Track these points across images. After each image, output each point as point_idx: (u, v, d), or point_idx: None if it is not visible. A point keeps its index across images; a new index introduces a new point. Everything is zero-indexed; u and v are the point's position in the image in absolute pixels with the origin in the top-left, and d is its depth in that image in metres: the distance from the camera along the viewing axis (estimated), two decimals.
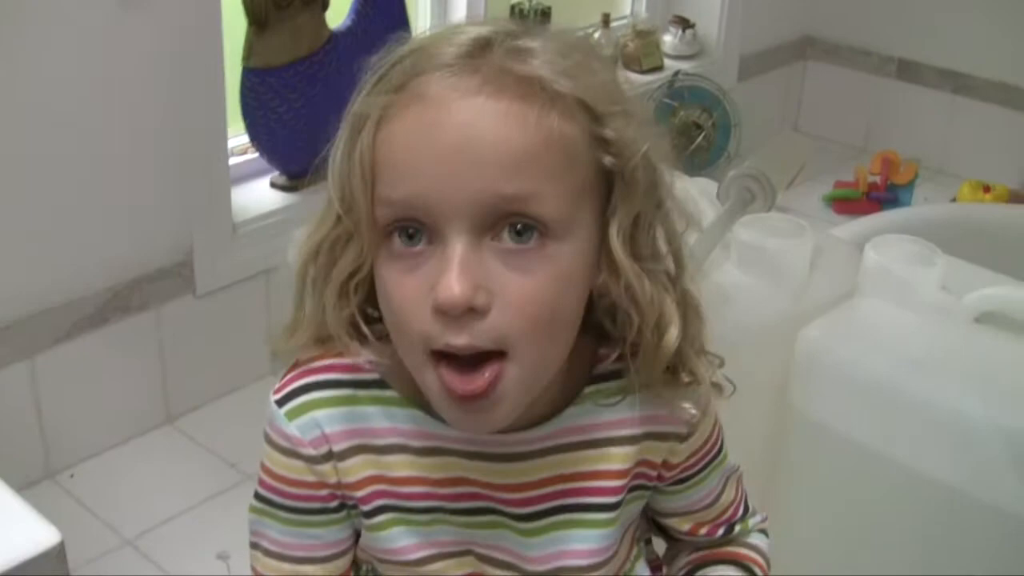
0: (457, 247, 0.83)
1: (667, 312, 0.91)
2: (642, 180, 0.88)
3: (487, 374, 0.85)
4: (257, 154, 2.25)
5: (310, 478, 0.99)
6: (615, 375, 0.98)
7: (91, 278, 1.98)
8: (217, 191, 2.11)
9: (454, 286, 0.82)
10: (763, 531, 1.13)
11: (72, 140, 1.89)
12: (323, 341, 0.97)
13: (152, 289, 2.07)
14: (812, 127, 3.23)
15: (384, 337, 0.93)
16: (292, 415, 0.98)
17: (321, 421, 0.98)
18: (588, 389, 0.98)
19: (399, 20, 2.32)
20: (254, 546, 1.04)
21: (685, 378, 0.97)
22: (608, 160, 0.87)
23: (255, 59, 2.11)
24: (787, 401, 1.66)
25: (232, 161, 2.21)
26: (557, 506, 1.00)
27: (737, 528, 1.11)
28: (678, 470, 1.03)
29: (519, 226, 0.84)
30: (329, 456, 0.98)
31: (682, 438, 1.01)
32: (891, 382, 1.61)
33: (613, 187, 0.88)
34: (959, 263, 1.78)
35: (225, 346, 2.17)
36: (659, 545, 1.15)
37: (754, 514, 1.12)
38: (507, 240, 0.84)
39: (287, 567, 1.03)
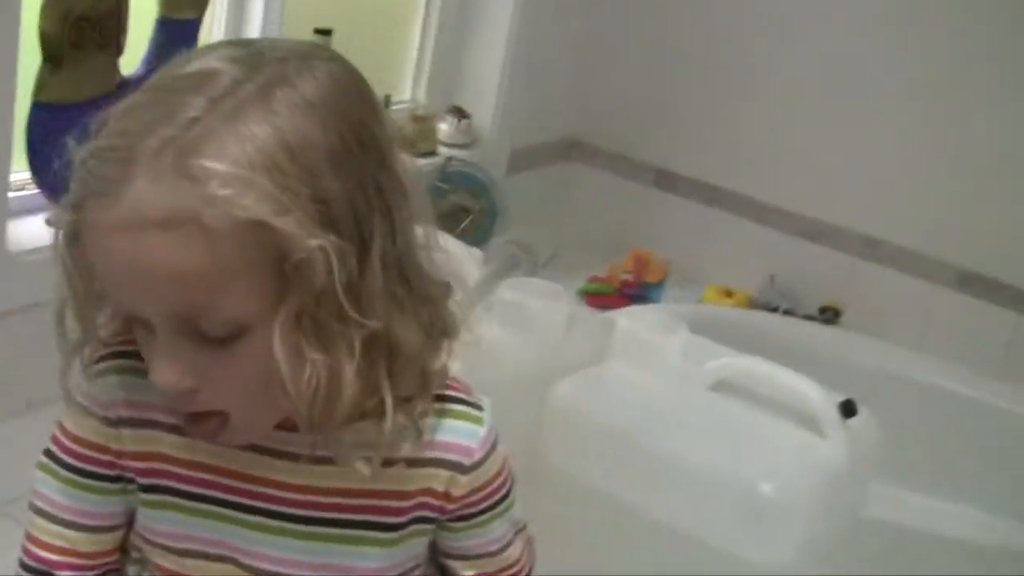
0: (163, 343, 0.92)
1: (343, 378, 0.94)
2: (320, 273, 0.90)
3: (214, 423, 0.96)
4: (36, 190, 2.26)
5: (97, 439, 1.05)
6: (405, 401, 1.02)
7: None
8: None
9: (162, 376, 0.93)
10: None
11: None
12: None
13: None
14: (573, 223, 3.38)
15: None
16: (96, 376, 1.03)
17: (120, 386, 1.04)
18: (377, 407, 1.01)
19: None
20: (30, 506, 1.08)
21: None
22: (286, 259, 0.90)
23: (45, 94, 2.13)
24: (537, 452, 1.77)
25: (11, 195, 2.21)
26: (339, 519, 1.05)
27: None
28: (460, 504, 1.08)
29: (214, 330, 0.91)
30: (119, 421, 1.04)
31: (464, 470, 1.06)
32: (631, 435, 1.75)
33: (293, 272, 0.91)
34: (701, 339, 1.94)
35: None
36: None
37: None
38: (205, 334, 0.91)
39: (54, 528, 1.06)
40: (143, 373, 0.99)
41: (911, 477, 1.93)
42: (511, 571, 1.15)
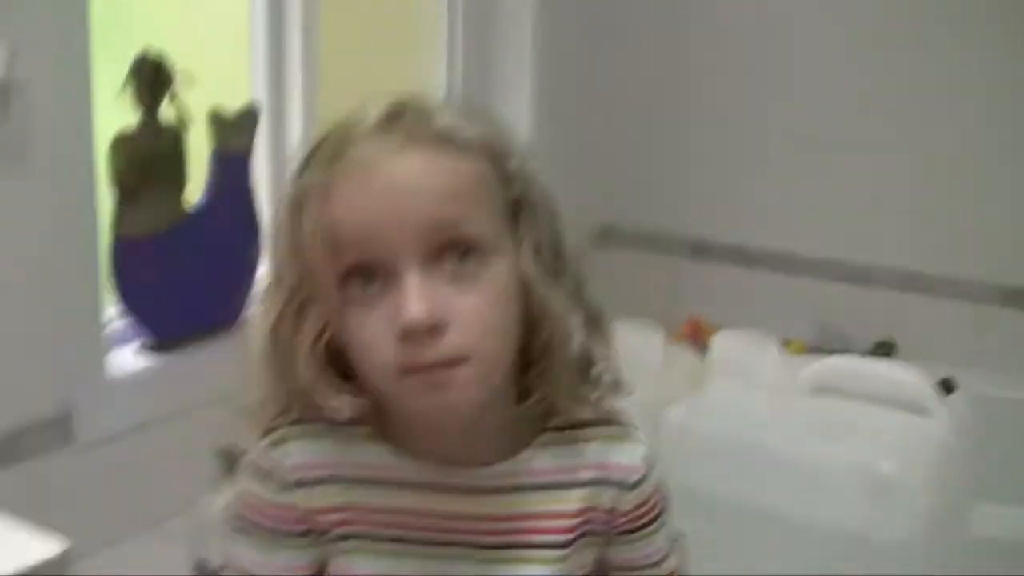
0: (411, 277, 0.98)
1: (573, 323, 1.05)
2: (540, 205, 1.05)
3: (449, 371, 0.99)
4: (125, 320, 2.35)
5: (282, 501, 1.10)
6: (570, 427, 1.12)
7: None
8: (95, 350, 2.20)
9: (414, 308, 0.97)
10: None
11: None
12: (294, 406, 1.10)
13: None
14: (623, 307, 3.44)
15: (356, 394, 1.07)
16: (271, 445, 1.10)
17: (294, 451, 1.10)
18: (544, 436, 1.11)
19: (247, 200, 2.49)
20: (226, 570, 1.14)
21: (594, 391, 1.10)
22: (513, 189, 1.04)
23: (122, 229, 2.23)
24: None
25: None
26: (512, 542, 1.10)
27: None
28: (626, 519, 1.14)
29: (461, 251, 0.99)
30: (301, 483, 1.10)
31: (629, 487, 1.13)
32: (747, 443, 1.81)
33: (520, 216, 1.05)
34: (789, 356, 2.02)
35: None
36: None
37: None
38: (451, 266, 0.99)
39: None
40: (310, 435, 1.09)
41: (1008, 491, 1.97)
42: None
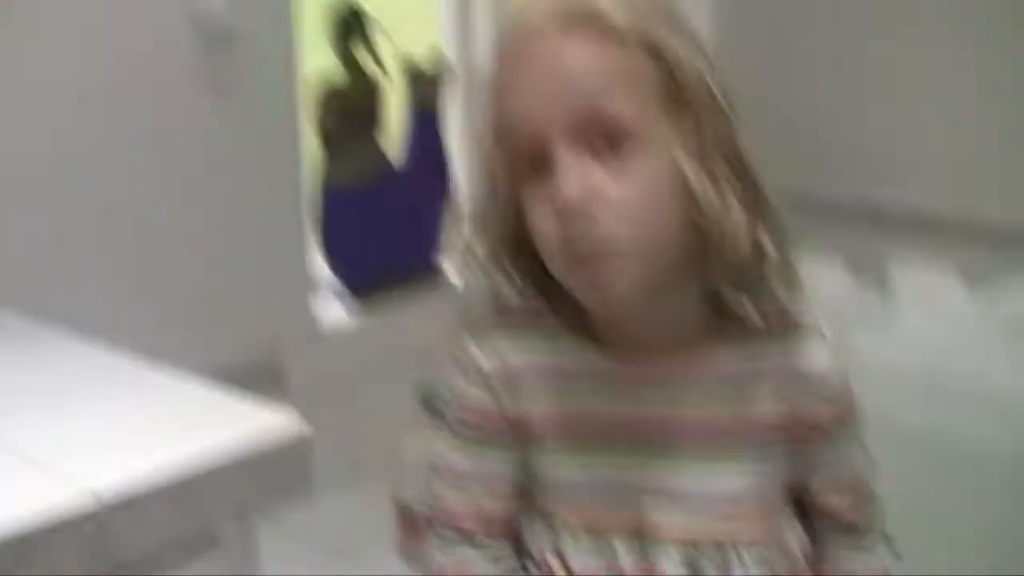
0: (565, 159, 1.01)
1: (736, 221, 1.02)
2: (703, 99, 1.03)
3: (601, 265, 1.00)
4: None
5: (490, 404, 1.11)
6: (755, 325, 1.09)
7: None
8: (301, 298, 2.31)
9: (568, 189, 1.00)
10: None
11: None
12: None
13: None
14: None
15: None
16: (479, 343, 1.12)
17: (503, 349, 1.11)
18: (734, 333, 1.09)
19: (442, 154, 2.59)
20: (433, 477, 1.15)
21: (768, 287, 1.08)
22: (671, 80, 1.03)
23: (327, 180, 2.34)
24: None
25: None
26: (704, 441, 1.10)
27: (867, 536, 1.16)
28: (813, 424, 1.10)
29: (612, 135, 1.00)
30: (507, 380, 1.11)
31: (810, 386, 1.09)
32: (938, 369, 1.79)
33: (682, 110, 1.03)
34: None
35: None
36: None
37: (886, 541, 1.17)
38: (605, 153, 1.01)
39: (457, 493, 1.13)
40: (516, 334, 1.11)
41: None
42: (862, 494, 1.16)
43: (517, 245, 1.09)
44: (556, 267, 1.05)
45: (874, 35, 3.20)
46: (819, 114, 3.27)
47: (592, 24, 1.03)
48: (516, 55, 1.05)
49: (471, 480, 1.12)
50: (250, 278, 2.19)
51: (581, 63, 1.02)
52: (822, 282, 1.59)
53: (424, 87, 2.50)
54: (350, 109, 2.34)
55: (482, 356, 1.11)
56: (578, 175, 1.00)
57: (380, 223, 2.45)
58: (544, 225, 1.03)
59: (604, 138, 1.01)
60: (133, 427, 1.21)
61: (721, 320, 1.11)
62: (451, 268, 1.19)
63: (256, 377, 2.16)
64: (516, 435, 1.12)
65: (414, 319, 2.48)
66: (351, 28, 2.30)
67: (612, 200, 1.00)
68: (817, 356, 1.11)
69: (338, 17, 2.29)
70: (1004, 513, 1.73)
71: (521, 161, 1.04)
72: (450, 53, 2.68)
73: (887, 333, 1.89)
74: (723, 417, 1.10)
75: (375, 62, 2.35)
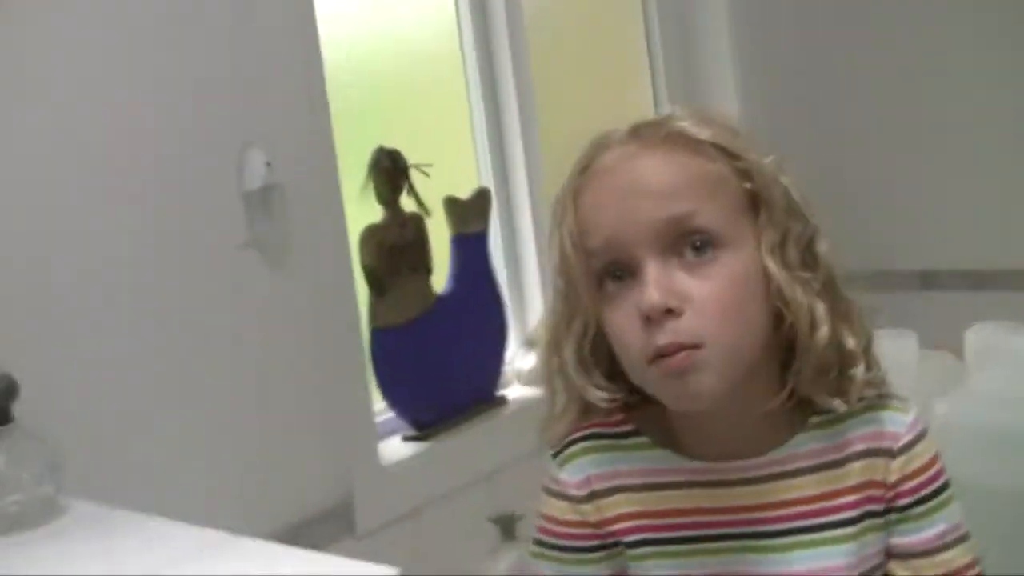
0: (650, 269, 1.06)
1: (818, 313, 1.08)
2: (780, 201, 1.10)
3: (684, 354, 1.05)
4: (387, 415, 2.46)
5: (574, 517, 1.17)
6: (833, 412, 1.14)
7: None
8: (367, 441, 2.31)
9: (653, 294, 1.04)
10: None
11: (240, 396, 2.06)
12: (585, 413, 1.18)
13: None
14: None
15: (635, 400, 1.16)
16: (563, 462, 1.18)
17: (586, 465, 1.17)
18: (812, 419, 1.15)
19: (489, 280, 2.61)
20: None
21: (848, 381, 1.12)
22: (749, 185, 1.10)
23: (379, 320, 2.35)
24: None
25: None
26: (798, 527, 1.13)
27: None
28: (894, 492, 1.14)
29: (696, 243, 1.06)
30: (591, 496, 1.17)
31: (893, 455, 1.14)
32: (1019, 428, 1.77)
33: (759, 211, 1.10)
34: None
35: None
36: None
37: None
38: (688, 256, 1.06)
39: None
40: (597, 449, 1.17)
41: None
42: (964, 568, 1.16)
43: (595, 355, 1.14)
44: (637, 373, 1.09)
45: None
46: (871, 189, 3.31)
47: (674, 140, 1.09)
48: (602, 171, 1.10)
49: None
50: (317, 427, 2.18)
51: (668, 178, 1.07)
52: (896, 353, 1.58)
53: (466, 216, 2.53)
54: (394, 247, 2.35)
55: (566, 474, 1.17)
56: (663, 282, 1.05)
57: (434, 357, 2.45)
58: (627, 331, 1.07)
59: (690, 246, 1.06)
60: None
61: (805, 412, 1.15)
62: (538, 384, 1.22)
63: (330, 522, 2.19)
64: (606, 547, 1.16)
65: (477, 447, 2.48)
66: (388, 169, 2.32)
67: (696, 298, 1.05)
68: (902, 427, 1.15)
69: (375, 160, 2.32)
70: None
71: (605, 271, 1.09)
72: (488, 184, 2.71)
73: (965, 395, 1.87)
74: (814, 502, 1.13)
75: (415, 201, 2.37)
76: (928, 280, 3.37)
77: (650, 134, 1.10)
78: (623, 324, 1.08)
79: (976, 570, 1.17)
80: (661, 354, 1.05)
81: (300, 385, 2.15)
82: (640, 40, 3.22)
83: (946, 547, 1.15)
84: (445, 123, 2.72)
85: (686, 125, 1.10)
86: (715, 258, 1.07)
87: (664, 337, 1.04)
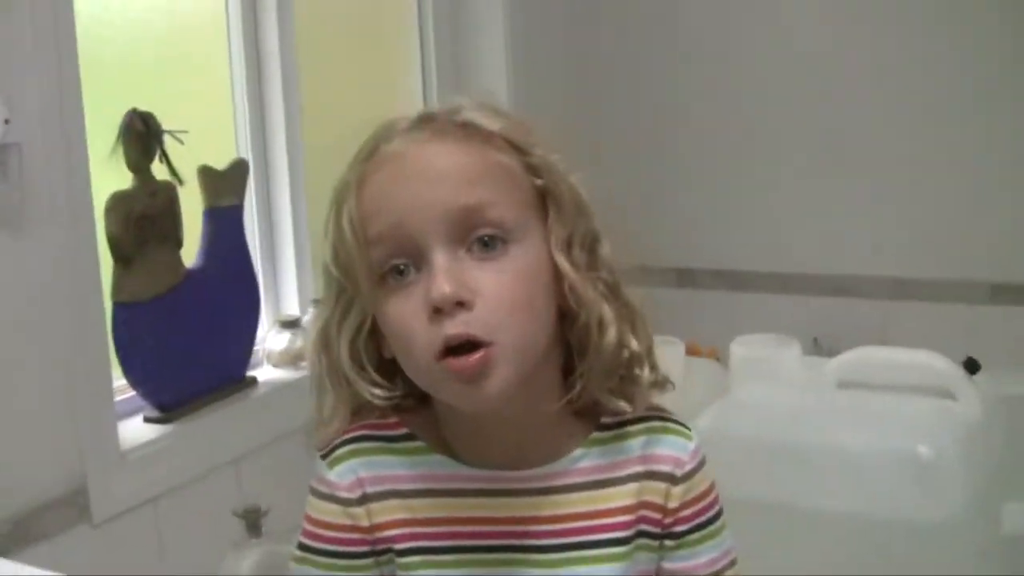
0: (440, 260, 1.02)
1: (606, 314, 1.07)
2: (568, 199, 1.08)
3: (479, 354, 1.01)
4: (128, 394, 2.32)
5: (344, 521, 1.12)
6: (618, 425, 1.14)
7: None
8: (105, 423, 2.16)
9: (444, 285, 1.00)
10: None
11: None
12: (357, 413, 1.13)
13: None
14: None
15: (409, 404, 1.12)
16: (332, 464, 1.13)
17: (356, 467, 1.12)
18: (593, 436, 1.13)
19: (242, 256, 2.48)
20: None
21: (635, 387, 1.12)
22: (539, 182, 1.07)
23: (123, 294, 2.21)
24: None
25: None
26: (571, 543, 1.11)
27: None
28: (673, 518, 1.13)
29: (485, 237, 1.03)
30: (363, 499, 1.12)
31: (675, 480, 1.13)
32: (781, 442, 1.82)
33: (547, 207, 1.08)
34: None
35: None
36: None
37: None
38: (477, 250, 1.03)
39: None
40: (368, 451, 1.12)
41: None
42: None
43: (367, 352, 1.10)
44: (422, 371, 1.05)
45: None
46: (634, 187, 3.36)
47: (466, 129, 1.05)
48: (390, 157, 1.05)
49: None
50: (49, 408, 2.05)
51: (461, 166, 1.03)
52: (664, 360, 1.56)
53: (221, 188, 2.40)
54: (141, 218, 2.21)
55: (336, 475, 1.11)
56: (454, 274, 1.01)
57: (181, 335, 2.32)
58: (411, 326, 1.03)
59: (479, 240, 1.03)
60: None
61: (586, 426, 1.13)
62: (308, 379, 1.16)
63: (63, 509, 2.06)
64: (377, 554, 1.11)
65: (223, 431, 2.37)
66: (140, 134, 2.18)
67: (486, 291, 1.01)
68: (684, 452, 1.14)
69: (127, 123, 2.17)
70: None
71: (386, 263, 1.04)
72: (246, 156, 2.59)
73: (729, 406, 1.90)
74: (587, 518, 1.11)
75: (168, 169, 2.24)
76: (685, 278, 3.43)
77: (442, 122, 1.07)
78: (406, 319, 1.04)
79: None
80: (449, 348, 1.01)
81: (33, 359, 2.01)
82: (412, 15, 3.14)
83: (717, 574, 1.16)
84: (205, 89, 2.59)
85: (477, 116, 1.07)
86: (505, 252, 1.04)
87: (454, 327, 1.01)
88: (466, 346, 1.01)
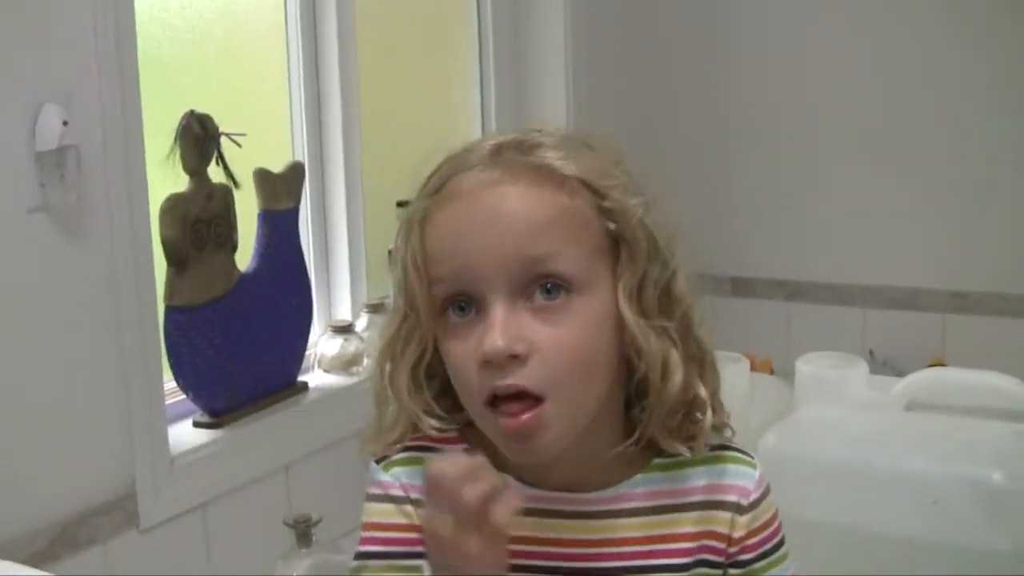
0: (497, 309, 1.00)
1: (672, 361, 1.05)
2: (642, 243, 1.04)
3: (531, 413, 1.00)
4: (179, 397, 2.29)
5: (400, 520, 1.10)
6: (679, 454, 1.11)
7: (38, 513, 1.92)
8: (156, 427, 2.13)
9: (497, 340, 0.98)
10: None
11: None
12: (415, 428, 1.12)
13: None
14: None
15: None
16: (385, 468, 1.12)
17: (413, 475, 1.10)
18: (655, 461, 1.12)
19: (297, 260, 2.45)
20: None
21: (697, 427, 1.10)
22: (612, 226, 1.04)
23: (177, 298, 2.18)
24: None
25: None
26: (630, 567, 1.10)
27: None
28: (739, 547, 1.12)
29: (548, 285, 1.00)
30: (415, 501, 1.09)
31: (741, 510, 1.12)
32: (848, 464, 1.77)
33: (620, 253, 1.05)
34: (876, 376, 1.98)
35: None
36: None
37: None
38: (539, 299, 1.00)
39: None
40: (414, 462, 1.10)
41: None
42: None
43: (430, 374, 1.09)
44: (475, 412, 1.04)
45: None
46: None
47: (539, 173, 1.02)
48: (457, 195, 1.03)
49: None
50: (99, 412, 2.02)
51: (529, 214, 1.00)
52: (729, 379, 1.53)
53: (277, 191, 2.37)
54: (197, 221, 2.19)
55: (389, 476, 1.10)
56: (509, 327, 0.98)
57: (234, 339, 2.29)
58: (467, 368, 1.01)
59: (540, 287, 1.00)
60: None
61: (648, 453, 1.11)
62: (366, 387, 1.18)
63: (111, 514, 2.04)
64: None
65: (274, 436, 2.35)
66: (199, 139, 2.16)
67: (542, 346, 0.99)
68: (750, 481, 1.12)
69: (185, 126, 2.15)
70: None
71: (448, 300, 1.03)
72: (304, 159, 2.57)
73: (794, 427, 1.86)
74: (645, 543, 1.09)
75: (224, 171, 2.21)
76: (741, 287, 3.40)
77: (515, 160, 1.03)
78: (463, 358, 1.02)
79: None
80: (498, 397, 1.00)
81: (84, 362, 1.98)
82: (472, 25, 3.10)
83: None
84: (262, 92, 2.56)
85: (554, 156, 1.04)
86: (567, 303, 1.01)
87: (505, 379, 0.99)
88: (519, 395, 1.00)
